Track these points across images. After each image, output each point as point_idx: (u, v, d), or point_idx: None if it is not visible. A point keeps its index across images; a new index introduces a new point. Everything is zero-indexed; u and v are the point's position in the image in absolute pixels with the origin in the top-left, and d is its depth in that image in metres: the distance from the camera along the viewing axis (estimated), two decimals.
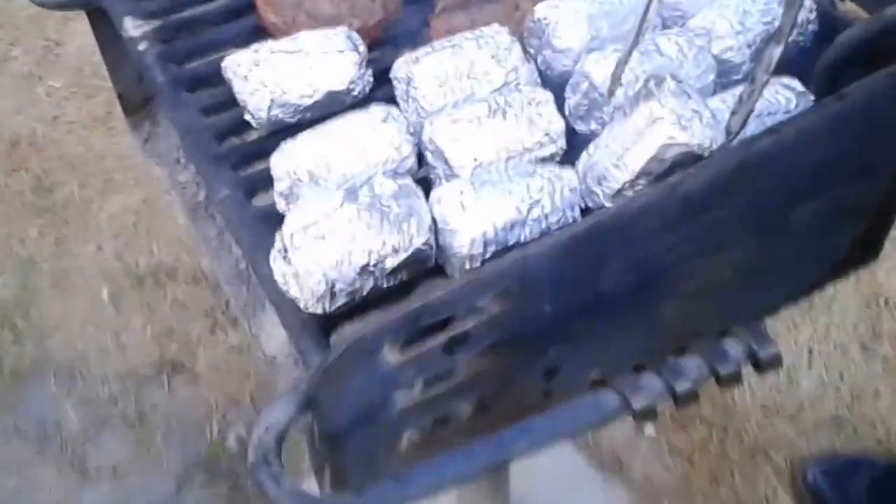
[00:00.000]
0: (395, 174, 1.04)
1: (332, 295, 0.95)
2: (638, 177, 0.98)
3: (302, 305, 0.96)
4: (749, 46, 1.13)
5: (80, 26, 2.32)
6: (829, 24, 1.17)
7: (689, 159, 0.99)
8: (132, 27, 1.27)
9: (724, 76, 1.13)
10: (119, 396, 1.93)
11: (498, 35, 1.12)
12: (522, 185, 0.97)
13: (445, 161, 1.04)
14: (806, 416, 1.83)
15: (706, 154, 0.99)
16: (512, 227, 0.96)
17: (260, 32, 1.26)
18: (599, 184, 1.00)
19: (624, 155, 0.98)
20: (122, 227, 2.19)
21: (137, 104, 1.47)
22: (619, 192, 0.99)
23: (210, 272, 2.02)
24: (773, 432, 1.81)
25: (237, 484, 1.81)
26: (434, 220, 0.98)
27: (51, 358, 1.99)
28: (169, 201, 2.12)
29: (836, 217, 1.15)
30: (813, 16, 1.17)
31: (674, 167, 0.98)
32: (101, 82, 2.49)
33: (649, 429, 1.83)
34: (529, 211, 0.97)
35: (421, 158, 1.07)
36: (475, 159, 1.03)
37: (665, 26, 1.17)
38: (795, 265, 1.17)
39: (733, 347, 0.94)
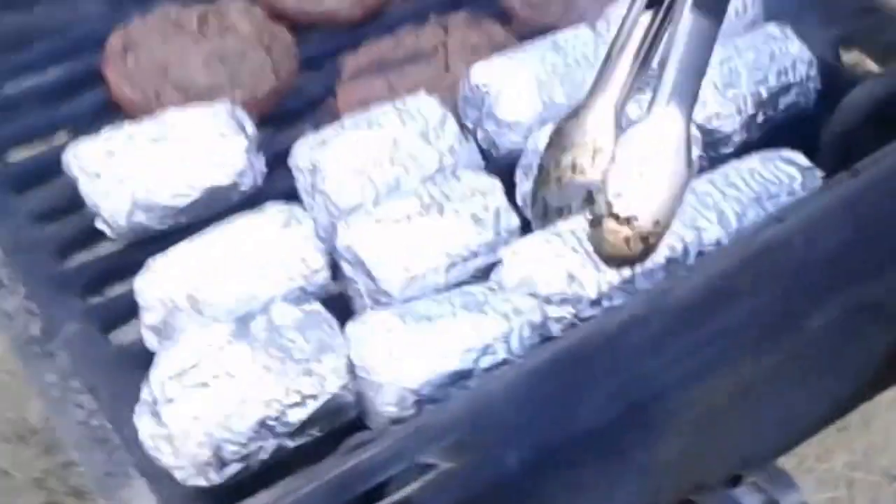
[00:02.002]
0: (303, 294, 1.05)
1: (221, 462, 0.95)
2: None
3: (179, 477, 0.96)
4: (740, 112, 1.19)
5: None
6: (834, 80, 1.25)
7: None
8: None
9: (712, 149, 1.19)
10: None
11: (426, 106, 1.16)
12: (469, 324, 0.99)
13: (368, 273, 1.06)
14: None
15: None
16: (454, 381, 0.97)
17: (111, 111, 1.28)
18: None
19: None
20: None
21: None
22: None
23: (42, 427, 1.98)
24: None
25: None
26: (353, 364, 0.99)
27: None
28: None
29: (863, 320, 1.20)
30: (814, 71, 1.24)
31: None
32: None
33: None
34: (477, 361, 0.98)
35: (336, 270, 1.09)
36: (406, 270, 1.05)
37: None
38: (819, 382, 1.22)
39: (749, 498, 0.97)
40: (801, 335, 1.15)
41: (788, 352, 1.16)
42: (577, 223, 1.04)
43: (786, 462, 1.28)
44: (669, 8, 0.97)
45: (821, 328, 1.16)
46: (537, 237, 1.06)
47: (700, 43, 0.93)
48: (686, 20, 0.92)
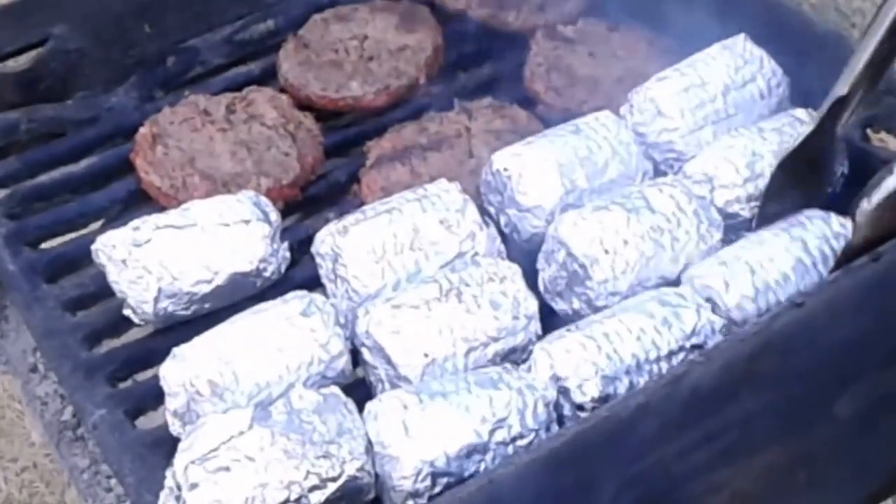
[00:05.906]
0: (322, 380, 1.13)
1: None
2: None
3: None
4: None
5: None
6: (862, 161, 1.29)
7: None
8: None
9: (733, 233, 1.24)
10: None
11: (447, 193, 1.24)
12: (484, 399, 1.06)
13: (387, 359, 1.13)
14: None
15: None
16: (469, 454, 1.04)
17: (140, 200, 1.37)
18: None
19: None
20: None
21: None
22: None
23: None
24: None
25: None
26: (370, 441, 1.06)
27: None
28: (19, 413, 2.16)
29: (892, 405, 1.24)
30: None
31: None
32: None
33: None
34: (492, 434, 1.04)
35: (356, 356, 1.16)
36: (425, 356, 1.12)
37: (658, 172, 1.30)
38: (846, 469, 1.25)
39: None
40: (829, 422, 1.20)
41: (817, 440, 1.20)
42: (612, 326, 1.11)
43: None
44: None
45: (849, 415, 1.20)
46: (571, 337, 1.12)
47: None
48: None
